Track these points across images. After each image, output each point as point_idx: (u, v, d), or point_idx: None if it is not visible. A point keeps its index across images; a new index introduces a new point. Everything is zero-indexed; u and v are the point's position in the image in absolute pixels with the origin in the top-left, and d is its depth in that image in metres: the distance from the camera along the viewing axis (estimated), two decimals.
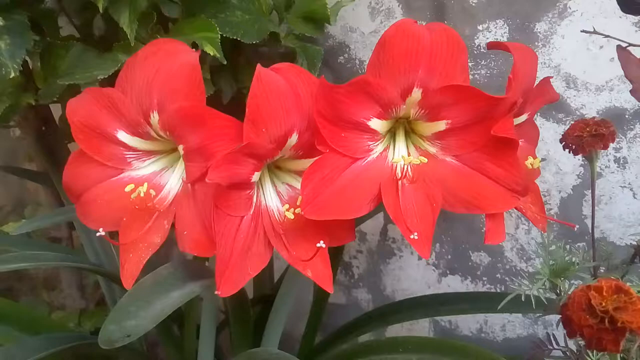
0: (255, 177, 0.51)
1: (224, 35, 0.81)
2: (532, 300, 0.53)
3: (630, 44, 0.53)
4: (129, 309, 0.44)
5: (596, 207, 0.91)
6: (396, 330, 1.11)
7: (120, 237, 0.53)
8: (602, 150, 0.50)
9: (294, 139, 0.51)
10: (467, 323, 1.06)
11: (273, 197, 0.55)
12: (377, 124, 0.52)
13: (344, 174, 0.51)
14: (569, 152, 0.52)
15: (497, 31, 0.93)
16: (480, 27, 0.94)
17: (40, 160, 1.00)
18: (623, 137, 0.87)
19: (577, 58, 0.88)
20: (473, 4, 0.94)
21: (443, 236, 1.04)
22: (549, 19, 0.89)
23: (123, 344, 0.40)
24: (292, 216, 0.51)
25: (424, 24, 0.95)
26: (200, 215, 0.50)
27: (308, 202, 0.49)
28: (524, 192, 0.52)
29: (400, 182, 0.52)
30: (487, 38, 0.94)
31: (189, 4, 0.83)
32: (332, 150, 0.51)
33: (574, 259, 0.56)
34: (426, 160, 0.52)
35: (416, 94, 0.50)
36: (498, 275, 1.01)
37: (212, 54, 0.73)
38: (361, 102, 0.50)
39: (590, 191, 0.90)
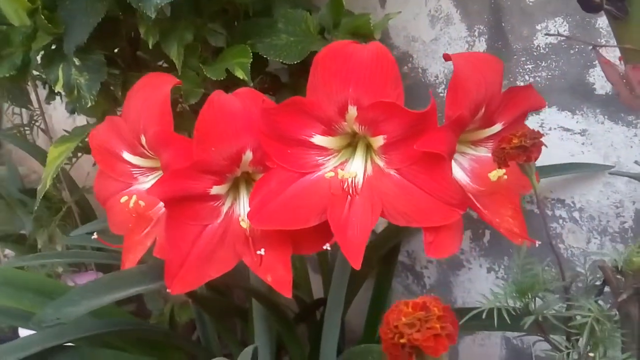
0: (217, 190, 0.57)
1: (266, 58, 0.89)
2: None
3: (595, 45, 0.49)
4: (73, 298, 0.53)
5: None
6: (468, 345, 1.08)
7: (125, 240, 0.64)
8: None
9: (248, 156, 0.56)
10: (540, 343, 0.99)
11: (247, 208, 0.61)
12: (323, 141, 0.55)
13: (290, 187, 0.55)
14: (497, 165, 0.49)
15: (556, 30, 0.86)
16: (538, 27, 0.88)
17: None
18: None
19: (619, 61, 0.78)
20: (530, 3, 0.88)
21: (512, 249, 0.99)
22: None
23: (51, 325, 0.49)
24: (245, 226, 0.56)
25: (480, 31, 0.92)
26: None
27: (254, 213, 0.54)
28: (461, 206, 0.50)
29: (348, 196, 0.55)
30: (547, 38, 0.87)
31: (240, 32, 0.93)
32: (279, 166, 0.55)
33: (543, 277, 0.53)
34: (355, 174, 0.54)
35: (352, 110, 0.52)
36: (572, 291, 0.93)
37: (241, 77, 0.81)
38: (299, 121, 0.53)
39: None
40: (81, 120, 1.44)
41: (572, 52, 0.86)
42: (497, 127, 0.56)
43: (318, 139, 0.55)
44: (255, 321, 0.89)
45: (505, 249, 0.99)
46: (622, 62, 0.48)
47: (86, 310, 0.52)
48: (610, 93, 0.83)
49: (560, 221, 0.91)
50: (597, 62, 0.82)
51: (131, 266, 0.62)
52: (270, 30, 0.91)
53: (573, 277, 0.52)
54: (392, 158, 0.53)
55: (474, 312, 0.55)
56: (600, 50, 0.48)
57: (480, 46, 0.95)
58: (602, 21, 0.81)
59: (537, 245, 0.56)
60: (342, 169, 0.56)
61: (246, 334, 1.07)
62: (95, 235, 0.64)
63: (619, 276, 0.47)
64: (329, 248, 0.53)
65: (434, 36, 1.01)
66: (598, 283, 0.50)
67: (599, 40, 0.82)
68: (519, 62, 0.91)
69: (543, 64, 0.88)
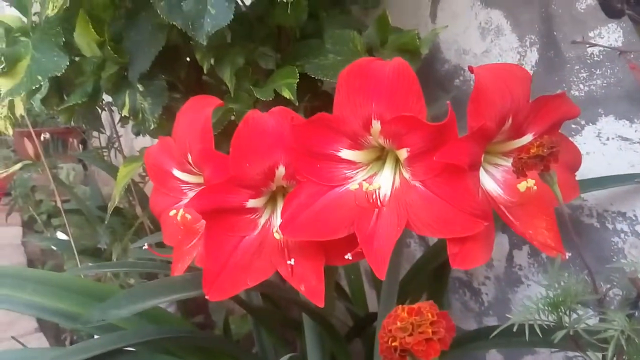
0: (253, 203, 0.61)
1: (316, 78, 0.92)
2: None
3: (623, 51, 0.48)
4: (119, 301, 0.58)
5: None
6: None
7: (174, 250, 0.69)
8: None
9: (281, 171, 0.59)
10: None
11: None
12: (351, 155, 0.57)
13: (320, 200, 0.57)
14: (516, 174, 0.48)
15: (609, 36, 0.83)
16: (591, 34, 0.86)
17: None
18: None
19: None
20: (582, 10, 0.86)
21: (571, 265, 0.95)
22: None
23: (96, 325, 0.54)
24: (278, 237, 0.59)
25: (531, 41, 0.91)
26: None
27: (286, 225, 0.57)
28: (485, 217, 0.50)
29: (376, 209, 0.56)
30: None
31: (290, 54, 0.97)
32: (309, 180, 0.57)
33: (574, 290, 0.51)
34: (379, 186, 0.55)
35: (376, 125, 0.54)
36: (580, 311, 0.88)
37: (287, 97, 0.85)
38: (326, 136, 0.56)
39: None
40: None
41: (627, 58, 0.82)
42: (528, 138, 0.56)
43: (345, 153, 0.57)
44: (307, 335, 0.91)
45: (566, 264, 0.95)
46: None
47: (129, 312, 0.56)
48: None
49: (622, 235, 0.87)
50: None
51: (180, 274, 0.66)
52: (318, 51, 0.95)
53: (606, 290, 0.50)
54: (416, 170, 0.54)
55: (503, 326, 0.54)
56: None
57: (532, 56, 0.94)
58: None
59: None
60: (370, 182, 0.58)
61: (303, 347, 1.09)
62: (146, 246, 0.70)
63: None
64: (350, 258, 0.54)
65: (485, 48, 1.01)
66: (632, 296, 0.48)
67: (618, 51, 0.79)
68: (573, 70, 0.88)
69: (598, 72, 0.85)
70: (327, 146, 0.56)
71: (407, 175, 0.56)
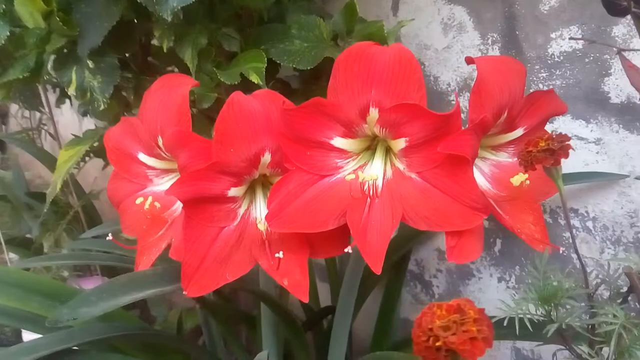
0: (234, 192, 0.57)
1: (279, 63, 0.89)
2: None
3: (622, 49, 0.48)
4: (90, 298, 0.53)
5: None
6: None
7: (138, 242, 0.63)
8: None
9: (267, 158, 0.56)
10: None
11: (263, 211, 0.60)
12: (343, 143, 0.54)
13: (309, 190, 0.55)
14: (522, 168, 0.48)
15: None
16: (553, 35, 0.88)
17: None
18: None
19: None
20: (545, 12, 0.88)
21: (523, 259, 0.98)
22: (627, 22, 0.80)
23: (66, 325, 0.49)
24: (262, 228, 0.56)
25: (493, 39, 0.92)
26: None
27: (272, 216, 0.54)
28: (484, 210, 0.50)
29: (368, 199, 0.54)
30: (561, 46, 0.87)
31: (253, 37, 0.92)
32: (298, 168, 0.54)
33: (566, 285, 0.52)
34: (377, 177, 0.53)
35: (373, 112, 0.52)
36: (583, 304, 0.92)
37: (256, 82, 0.81)
38: (319, 123, 0.53)
39: None
40: (87, 124, 1.44)
41: (587, 60, 0.85)
42: (519, 132, 0.56)
43: (338, 141, 0.54)
44: (263, 327, 0.88)
45: (516, 258, 0.99)
46: None
47: (102, 311, 0.51)
48: (625, 102, 0.83)
49: (574, 231, 0.90)
50: (612, 70, 0.82)
51: (145, 268, 0.61)
52: (283, 36, 0.91)
53: (597, 284, 0.51)
54: (413, 161, 0.53)
55: (494, 320, 0.54)
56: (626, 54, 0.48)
57: (493, 54, 0.95)
58: (618, 29, 0.81)
59: (561, 251, 0.55)
60: (362, 172, 0.56)
61: (251, 341, 1.06)
62: (110, 237, 0.64)
63: None
64: (350, 251, 0.52)
65: (447, 44, 1.01)
66: (622, 290, 0.50)
67: (614, 48, 0.82)
68: (533, 70, 0.90)
69: (557, 72, 0.88)
70: (320, 133, 0.53)
71: (401, 166, 0.54)
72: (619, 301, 0.49)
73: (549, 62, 0.88)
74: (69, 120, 1.72)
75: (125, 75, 0.90)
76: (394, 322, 0.99)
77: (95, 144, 0.97)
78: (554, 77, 0.89)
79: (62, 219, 1.14)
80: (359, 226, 0.53)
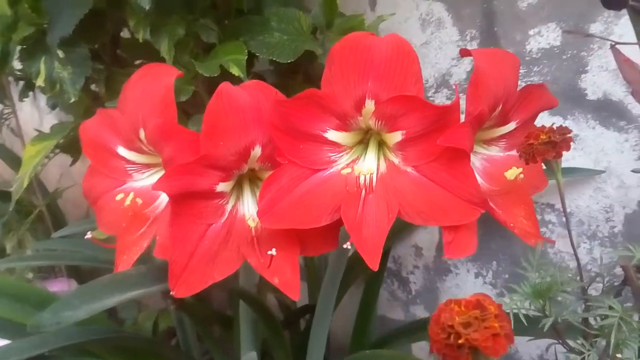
0: (222, 187, 0.55)
1: (261, 56, 0.86)
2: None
3: (617, 42, 0.48)
4: (72, 301, 0.50)
5: None
6: None
7: (118, 240, 0.60)
8: None
9: (257, 151, 0.54)
10: (528, 348, 0.99)
11: (251, 207, 0.58)
12: (337, 136, 0.53)
13: (302, 184, 0.53)
14: (524, 161, 0.48)
15: (549, 35, 0.87)
16: (531, 32, 0.89)
17: None
18: None
19: (638, 60, 0.79)
20: (523, 9, 0.89)
21: (500, 254, 0.99)
22: (604, 19, 0.82)
23: (49, 330, 0.46)
24: (253, 224, 0.54)
25: (472, 35, 0.92)
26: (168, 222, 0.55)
27: (264, 212, 0.52)
28: (482, 204, 0.49)
29: (362, 193, 0.53)
30: (539, 43, 0.88)
31: (232, 29, 0.90)
32: (291, 162, 0.53)
33: (560, 279, 0.52)
34: (374, 171, 0.52)
35: (369, 105, 0.51)
36: (559, 298, 0.93)
37: (236, 74, 0.79)
38: (314, 115, 0.51)
39: None
40: (49, 120, 1.38)
41: (564, 57, 0.87)
42: (511, 126, 0.56)
43: (332, 134, 0.53)
44: (242, 326, 0.85)
45: (494, 253, 0.99)
46: None
47: (87, 314, 0.48)
48: (602, 99, 0.84)
49: (550, 226, 0.92)
50: (589, 67, 0.84)
51: (126, 268, 0.58)
52: (262, 28, 0.89)
53: (592, 278, 0.51)
54: (409, 155, 0.52)
55: None
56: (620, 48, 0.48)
57: None
58: (595, 27, 0.82)
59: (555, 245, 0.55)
60: (356, 166, 0.54)
61: (225, 341, 1.03)
62: (89, 235, 0.60)
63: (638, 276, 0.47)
64: (349, 247, 0.50)
65: (425, 40, 1.01)
66: (616, 284, 0.50)
67: (591, 46, 0.84)
68: None
69: (535, 69, 0.89)
70: (314, 126, 0.52)
71: (395, 160, 0.53)
72: (612, 295, 0.49)
73: (527, 58, 0.89)
74: (29, 115, 1.65)
75: (96, 66, 0.86)
76: (372, 320, 0.98)
77: (60, 142, 0.93)
78: (532, 73, 0.90)
79: (25, 219, 1.09)
80: (354, 221, 0.51)
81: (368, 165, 0.54)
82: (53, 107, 0.84)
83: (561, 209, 0.90)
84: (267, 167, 0.56)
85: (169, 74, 0.56)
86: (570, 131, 0.44)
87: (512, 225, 0.55)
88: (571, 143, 0.45)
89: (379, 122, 0.52)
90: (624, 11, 0.79)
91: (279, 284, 0.55)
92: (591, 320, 0.52)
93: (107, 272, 0.57)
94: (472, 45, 0.96)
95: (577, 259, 0.50)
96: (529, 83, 0.89)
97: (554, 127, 0.45)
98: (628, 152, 0.83)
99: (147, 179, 0.62)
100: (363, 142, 0.56)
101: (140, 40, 0.79)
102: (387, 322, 1.13)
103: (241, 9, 0.91)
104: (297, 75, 1.03)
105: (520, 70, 0.90)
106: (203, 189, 0.53)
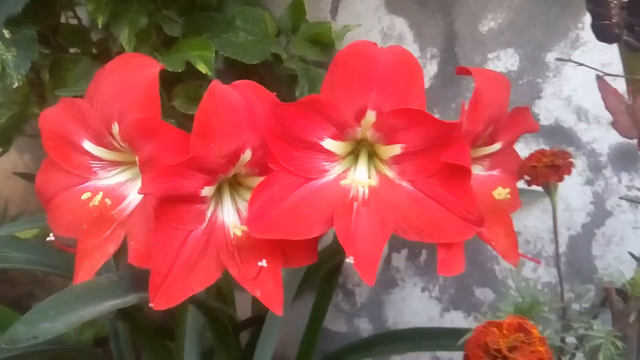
0: (206, 191, 0.51)
1: (225, 55, 0.83)
2: None
3: (605, 74, 0.50)
4: (48, 312, 0.44)
5: (606, 248, 0.86)
6: None
7: (78, 244, 0.55)
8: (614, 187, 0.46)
9: (247, 155, 0.51)
10: None
11: (231, 214, 0.55)
12: (333, 145, 0.51)
13: (295, 193, 0.51)
14: (524, 182, 0.49)
15: (507, 60, 0.91)
16: (490, 56, 0.92)
17: None
18: (636, 175, 0.82)
19: (589, 90, 0.83)
20: (484, 32, 0.92)
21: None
22: (560, 49, 0.86)
23: (26, 344, 0.40)
24: (239, 233, 0.51)
25: (432, 54, 0.94)
26: (145, 227, 0.51)
27: (254, 220, 0.49)
28: (478, 223, 0.49)
29: (354, 205, 0.51)
30: (497, 67, 0.91)
31: (194, 23, 0.86)
32: (284, 169, 0.50)
33: (541, 299, 0.53)
34: (375, 183, 0.51)
35: (370, 116, 0.49)
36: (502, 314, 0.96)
37: (204, 71, 0.75)
38: (313, 122, 0.49)
39: (599, 230, 0.86)
40: None
41: (520, 82, 0.90)
42: (497, 146, 0.57)
43: (328, 143, 0.51)
44: (187, 336, 0.81)
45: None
46: (630, 93, 0.50)
47: (65, 327, 0.42)
48: (553, 124, 0.89)
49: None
50: (543, 94, 0.88)
51: (87, 275, 0.53)
52: (227, 27, 0.86)
53: (571, 298, 0.53)
54: (405, 169, 0.51)
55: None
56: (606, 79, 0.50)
57: (432, 68, 0.97)
58: (551, 55, 0.86)
59: (540, 264, 0.57)
60: (345, 177, 0.53)
61: (167, 352, 0.97)
62: (51, 237, 0.54)
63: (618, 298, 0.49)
64: (351, 261, 0.49)
65: None
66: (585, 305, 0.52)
67: (547, 73, 0.88)
68: (469, 87, 0.94)
69: None
70: (312, 133, 0.50)
71: (390, 173, 0.52)
72: (591, 316, 0.51)
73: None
74: None
75: (41, 50, 0.79)
76: (320, 334, 0.97)
77: None
78: None
79: None
80: (348, 234, 0.50)
81: (359, 176, 0.53)
82: None
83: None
84: (252, 172, 0.53)
85: (151, 66, 0.52)
86: (571, 155, 0.46)
87: (494, 244, 0.56)
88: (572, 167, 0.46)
89: (377, 134, 0.50)
90: (581, 42, 0.85)
91: (261, 297, 0.52)
92: (567, 340, 0.54)
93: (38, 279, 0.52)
94: (432, 64, 0.97)
95: (561, 282, 0.51)
96: None
97: (556, 151, 0.46)
98: (575, 176, 0.87)
99: (112, 178, 0.57)
100: (353, 153, 0.55)
101: (99, 26, 0.73)
102: (329, 334, 1.12)
103: (204, 3, 0.87)
104: (251, 77, 1.00)
105: None
106: (188, 193, 0.49)
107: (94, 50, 0.93)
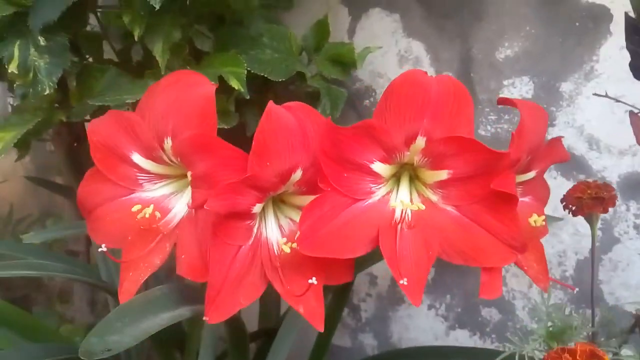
0: (257, 208, 0.52)
1: (252, 72, 0.84)
2: None
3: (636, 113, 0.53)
4: (115, 324, 0.45)
5: (612, 273, 0.89)
6: None
7: (123, 255, 0.55)
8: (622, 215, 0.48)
9: (297, 174, 0.52)
10: None
11: (274, 230, 0.56)
12: (381, 168, 0.53)
13: (343, 213, 0.52)
14: (569, 212, 0.51)
15: (522, 87, 0.94)
16: (505, 82, 0.95)
17: (67, 175, 1.05)
18: None
19: (602, 120, 0.87)
20: (500, 60, 0.95)
21: (455, 288, 1.03)
22: (575, 80, 0.89)
23: (102, 357, 0.41)
24: (288, 250, 0.52)
25: (450, 74, 0.97)
26: (199, 241, 0.52)
27: (305, 238, 0.50)
28: (522, 249, 0.52)
29: (399, 227, 0.53)
30: (512, 94, 0.94)
31: (223, 38, 0.87)
32: (334, 189, 0.52)
33: (573, 323, 0.55)
34: (424, 207, 0.53)
35: (420, 141, 0.51)
36: (507, 334, 0.98)
37: (237, 88, 0.76)
38: (365, 145, 0.51)
39: (606, 256, 0.89)
40: None
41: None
42: (532, 174, 0.59)
43: (377, 166, 0.52)
44: (203, 346, 0.81)
45: (448, 287, 1.03)
46: None
47: (134, 340, 0.43)
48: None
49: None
50: (556, 122, 0.91)
51: (132, 286, 0.53)
52: (253, 44, 0.87)
53: (602, 324, 0.55)
54: (450, 194, 0.53)
55: (505, 354, 0.56)
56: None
57: None
58: (566, 86, 0.90)
59: (575, 291, 0.59)
60: (388, 199, 0.55)
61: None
62: (103, 248, 0.54)
63: None
64: (405, 283, 0.50)
65: None
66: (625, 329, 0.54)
67: (560, 102, 0.91)
68: (483, 112, 0.96)
69: (505, 117, 0.95)
70: (363, 156, 0.51)
71: (434, 197, 0.54)
72: (621, 342, 0.53)
73: (499, 106, 0.95)
74: None
75: (71, 58, 0.79)
76: (329, 349, 0.98)
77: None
78: (502, 120, 0.96)
79: None
80: (394, 255, 0.51)
81: (402, 198, 0.54)
82: (23, 97, 0.76)
83: None
84: (300, 191, 0.55)
85: (206, 84, 0.53)
86: (614, 189, 0.48)
87: (526, 268, 0.58)
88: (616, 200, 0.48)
89: (425, 159, 0.52)
90: (595, 73, 0.88)
91: (304, 313, 0.53)
92: None
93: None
94: None
95: (593, 306, 0.54)
96: (498, 129, 0.96)
97: (599, 184, 0.49)
98: None
99: (158, 190, 0.58)
100: (395, 176, 0.56)
101: (136, 39, 0.74)
102: (333, 349, 1.13)
103: (234, 20, 0.88)
104: (268, 93, 1.02)
105: (492, 117, 0.96)
106: (242, 210, 0.50)
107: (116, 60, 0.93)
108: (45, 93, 0.73)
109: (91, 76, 0.82)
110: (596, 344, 0.56)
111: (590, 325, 0.55)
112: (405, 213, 0.53)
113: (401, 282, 0.50)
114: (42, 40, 0.72)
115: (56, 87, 0.75)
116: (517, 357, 0.55)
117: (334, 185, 0.51)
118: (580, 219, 0.90)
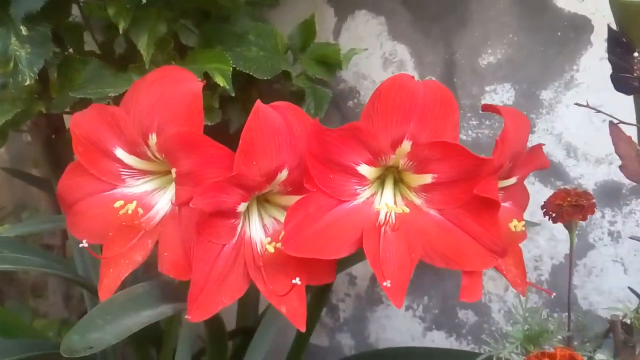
0: (242, 207, 0.52)
1: (237, 69, 0.84)
2: None
3: (621, 121, 0.54)
4: (96, 321, 0.44)
5: (586, 279, 0.91)
6: None
7: (103, 251, 0.54)
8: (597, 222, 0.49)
9: (283, 174, 0.52)
10: None
11: (258, 229, 0.56)
12: (366, 170, 0.53)
13: (328, 214, 0.52)
14: (549, 219, 0.52)
15: (503, 94, 0.95)
16: (487, 89, 0.96)
17: (44, 167, 1.03)
18: (619, 212, 0.87)
19: (580, 129, 0.89)
20: (482, 66, 0.96)
21: (432, 290, 1.04)
22: (555, 88, 0.91)
23: (84, 355, 0.40)
24: (272, 250, 0.52)
25: (432, 79, 0.98)
26: (182, 238, 0.52)
27: (289, 238, 0.50)
28: (502, 253, 0.53)
29: (382, 229, 0.53)
30: (494, 100, 0.96)
31: (208, 34, 0.86)
32: (319, 190, 0.52)
33: (550, 327, 0.56)
34: (408, 210, 0.53)
35: (406, 145, 0.52)
36: (483, 336, 1.00)
37: (222, 84, 0.76)
38: (351, 147, 0.51)
39: (581, 261, 0.90)
40: None
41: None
42: (512, 180, 0.60)
43: (363, 168, 0.53)
44: (181, 340, 0.80)
45: (426, 289, 1.04)
46: None
47: (115, 338, 0.42)
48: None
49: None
50: (536, 129, 0.92)
51: (112, 283, 0.52)
52: (239, 41, 0.87)
53: (577, 328, 0.56)
54: (434, 198, 0.54)
55: (483, 357, 0.56)
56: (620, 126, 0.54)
57: None
58: (546, 94, 0.91)
59: (552, 296, 0.60)
60: (372, 201, 0.55)
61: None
62: (84, 244, 0.53)
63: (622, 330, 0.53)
64: (389, 285, 0.50)
65: (385, 78, 1.04)
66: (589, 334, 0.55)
67: (540, 110, 0.93)
68: (465, 117, 0.98)
69: (487, 122, 0.96)
70: (349, 158, 0.52)
71: (417, 200, 0.55)
72: (596, 346, 0.54)
73: (480, 112, 0.96)
74: None
75: (53, 49, 0.78)
76: (307, 348, 0.98)
77: None
78: (483, 126, 0.97)
79: None
80: (377, 257, 0.52)
81: (387, 201, 0.55)
82: (2, 87, 0.74)
83: None
84: (285, 190, 0.55)
85: (193, 81, 0.52)
86: (593, 197, 0.49)
87: (504, 272, 0.59)
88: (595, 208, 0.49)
89: (410, 162, 0.53)
90: (575, 83, 0.90)
91: (286, 313, 0.53)
92: None
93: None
94: None
95: (569, 310, 0.55)
96: (479, 134, 0.97)
97: (579, 191, 0.50)
98: None
99: (140, 186, 0.57)
100: (380, 178, 0.57)
101: (120, 31, 0.73)
102: (311, 348, 1.13)
103: (220, 16, 0.88)
104: (252, 91, 1.01)
105: (473, 122, 0.98)
106: (227, 208, 0.50)
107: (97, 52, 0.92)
108: (26, 83, 0.72)
109: (73, 68, 0.81)
110: (572, 348, 0.57)
111: (566, 329, 0.56)
112: (390, 215, 0.54)
113: (384, 284, 0.51)
114: (23, 30, 0.71)
115: (37, 77, 0.73)
116: (494, 359, 0.56)
117: (319, 186, 0.52)
118: (557, 224, 0.93)
